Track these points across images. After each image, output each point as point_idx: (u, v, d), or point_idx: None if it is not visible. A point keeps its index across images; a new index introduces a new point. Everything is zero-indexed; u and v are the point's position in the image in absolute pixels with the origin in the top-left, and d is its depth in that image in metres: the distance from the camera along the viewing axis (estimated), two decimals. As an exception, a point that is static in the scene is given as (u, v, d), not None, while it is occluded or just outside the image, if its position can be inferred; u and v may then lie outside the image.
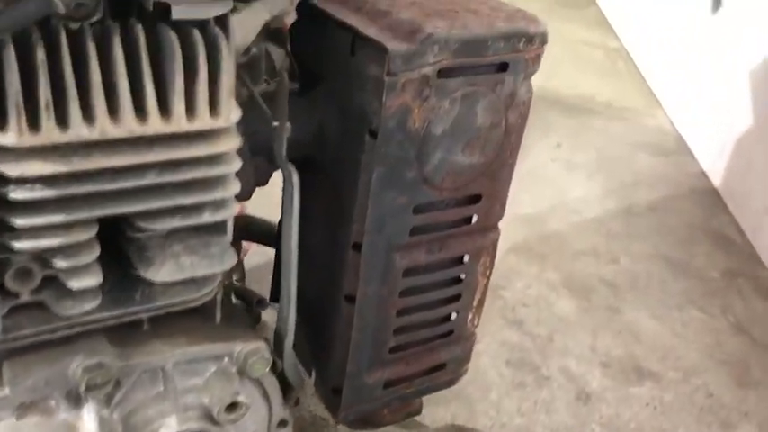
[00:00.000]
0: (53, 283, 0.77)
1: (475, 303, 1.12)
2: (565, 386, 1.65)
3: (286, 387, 1.02)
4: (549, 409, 1.58)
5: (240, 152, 0.81)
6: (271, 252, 1.17)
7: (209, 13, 0.73)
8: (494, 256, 1.10)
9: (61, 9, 0.64)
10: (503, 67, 0.93)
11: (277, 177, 0.98)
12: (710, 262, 2.17)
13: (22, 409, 0.82)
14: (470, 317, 1.13)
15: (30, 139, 0.67)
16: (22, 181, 0.69)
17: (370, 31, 0.88)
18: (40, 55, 0.66)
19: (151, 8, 0.71)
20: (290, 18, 0.90)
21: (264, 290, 1.18)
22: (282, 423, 1.02)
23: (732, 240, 2.29)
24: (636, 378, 1.71)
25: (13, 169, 0.68)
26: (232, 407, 0.94)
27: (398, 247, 0.98)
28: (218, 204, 0.82)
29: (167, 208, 0.78)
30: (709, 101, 2.70)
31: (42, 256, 0.75)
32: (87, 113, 0.69)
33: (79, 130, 0.69)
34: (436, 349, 1.13)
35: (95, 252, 0.76)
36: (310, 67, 0.99)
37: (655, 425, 1.59)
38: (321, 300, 1.07)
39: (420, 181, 0.94)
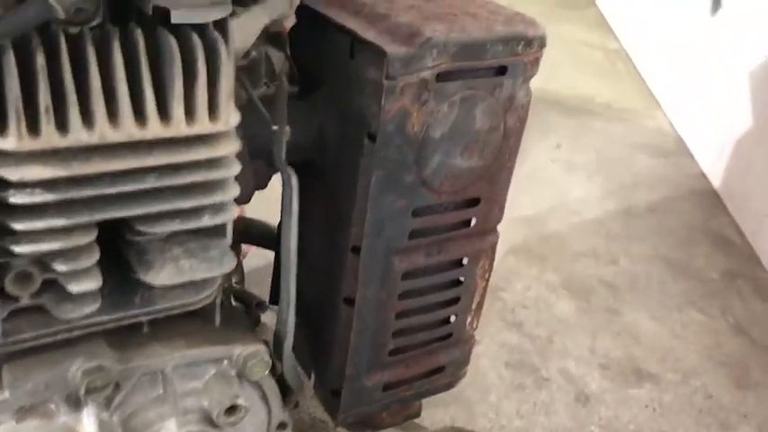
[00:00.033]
0: (53, 286, 0.77)
1: (474, 306, 1.12)
2: (564, 388, 1.65)
3: (285, 390, 1.02)
4: (548, 411, 1.59)
5: (239, 156, 0.81)
6: (270, 254, 1.17)
7: (209, 17, 0.73)
8: (493, 259, 1.10)
9: (61, 14, 0.64)
10: (501, 71, 0.93)
11: (276, 180, 0.98)
12: (710, 263, 2.17)
13: (22, 413, 0.82)
14: (469, 320, 1.13)
15: (30, 144, 0.67)
16: (22, 185, 0.69)
17: (368, 34, 0.88)
18: (40, 60, 0.66)
19: (150, 12, 0.71)
20: (290, 22, 0.90)
21: (264, 292, 1.18)
22: (282, 426, 1.02)
23: (732, 241, 2.29)
24: (635, 380, 1.71)
25: (13, 173, 0.68)
26: (231, 410, 0.94)
27: (397, 251, 0.98)
28: (218, 208, 0.82)
29: (167, 211, 0.78)
30: (709, 102, 2.71)
31: (42, 260, 0.75)
32: (87, 118, 0.70)
33: (79, 135, 0.69)
34: (435, 352, 1.13)
35: (95, 256, 0.77)
36: (310, 71, 1.00)
37: (654, 426, 1.59)
38: (320, 302, 1.07)
39: (419, 184, 0.95)
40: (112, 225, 0.78)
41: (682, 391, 1.70)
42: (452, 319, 1.12)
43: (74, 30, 0.70)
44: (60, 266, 0.75)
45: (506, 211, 1.09)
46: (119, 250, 0.83)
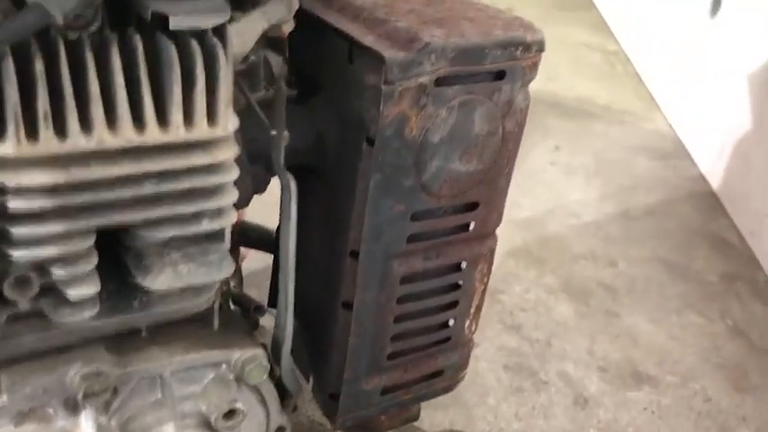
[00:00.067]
0: (51, 291, 0.77)
1: (472, 310, 1.12)
2: (563, 391, 1.65)
3: (284, 393, 1.03)
4: (546, 414, 1.59)
5: (238, 160, 0.81)
6: (269, 256, 1.17)
7: (207, 23, 0.73)
8: (491, 263, 1.10)
9: (60, 21, 0.64)
10: (500, 75, 0.93)
11: (275, 184, 0.98)
12: (709, 266, 2.17)
13: (21, 417, 0.82)
14: (468, 323, 1.13)
15: (28, 150, 0.68)
16: (20, 191, 0.69)
17: (367, 39, 0.88)
18: (39, 66, 0.66)
19: (149, 18, 0.71)
20: (289, 26, 0.90)
21: (263, 295, 1.18)
22: (280, 429, 1.03)
23: (731, 244, 2.29)
24: (634, 382, 1.71)
25: (11, 179, 0.68)
26: (230, 414, 0.94)
27: (396, 255, 0.98)
28: (217, 213, 0.82)
29: (165, 217, 0.78)
30: (708, 104, 2.71)
31: (41, 265, 0.75)
32: (85, 123, 0.70)
33: (77, 141, 0.69)
34: (434, 356, 1.13)
35: (93, 261, 0.77)
36: (309, 75, 1.00)
37: (652, 429, 1.59)
38: (319, 306, 1.07)
39: (417, 188, 0.95)
40: (111, 229, 0.78)
41: (680, 393, 1.70)
42: (451, 322, 1.12)
43: (72, 35, 0.70)
44: (59, 272, 0.75)
45: (505, 213, 1.09)
46: (117, 254, 0.83)
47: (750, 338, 1.90)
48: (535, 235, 2.20)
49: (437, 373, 1.15)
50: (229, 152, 0.79)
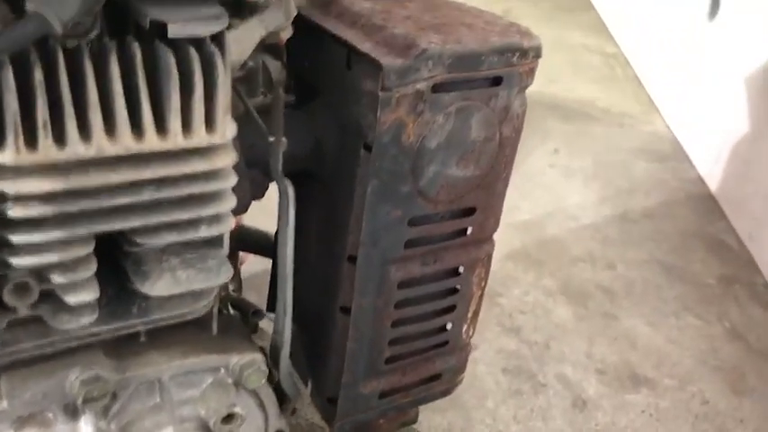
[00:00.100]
0: (50, 297, 0.77)
1: (470, 314, 1.13)
2: (561, 393, 1.66)
3: (282, 397, 1.03)
4: (545, 417, 1.59)
5: (236, 167, 0.82)
6: (269, 260, 1.18)
7: (205, 30, 0.74)
8: (489, 268, 1.10)
9: (59, 31, 0.64)
10: (497, 81, 0.94)
11: (274, 189, 0.98)
12: (707, 268, 2.18)
13: (20, 422, 0.83)
14: (465, 328, 1.14)
15: (27, 158, 0.68)
16: (19, 198, 0.69)
17: (365, 46, 0.89)
18: (38, 75, 0.66)
19: (148, 26, 0.71)
20: (287, 33, 0.91)
21: (263, 298, 1.18)
22: (279, 433, 1.03)
23: (729, 246, 2.30)
24: (632, 385, 1.71)
25: (10, 187, 0.68)
26: (228, 418, 0.95)
27: (393, 260, 0.99)
28: (215, 219, 0.83)
29: (164, 223, 0.79)
30: (707, 106, 2.71)
31: (40, 272, 0.75)
32: (84, 131, 0.70)
33: (76, 148, 0.70)
34: (432, 360, 1.13)
35: (92, 267, 0.77)
36: (307, 81, 1.00)
37: (650, 432, 1.60)
38: (317, 311, 1.07)
39: (415, 194, 0.95)
40: (110, 236, 0.79)
41: (678, 396, 1.70)
42: (449, 327, 1.12)
43: (71, 43, 0.70)
44: (58, 278, 0.75)
45: (504, 216, 1.09)
46: (116, 260, 0.84)
47: (748, 341, 1.91)
48: (534, 237, 2.20)
49: (435, 377, 1.16)
50: (227, 159, 0.79)
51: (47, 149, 0.69)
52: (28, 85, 0.67)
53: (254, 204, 0.99)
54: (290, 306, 1.00)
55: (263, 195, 0.99)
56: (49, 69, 0.68)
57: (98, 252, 0.78)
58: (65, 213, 0.72)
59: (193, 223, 0.81)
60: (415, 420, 1.29)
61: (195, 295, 0.87)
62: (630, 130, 2.97)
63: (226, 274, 0.86)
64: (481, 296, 1.12)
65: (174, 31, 0.71)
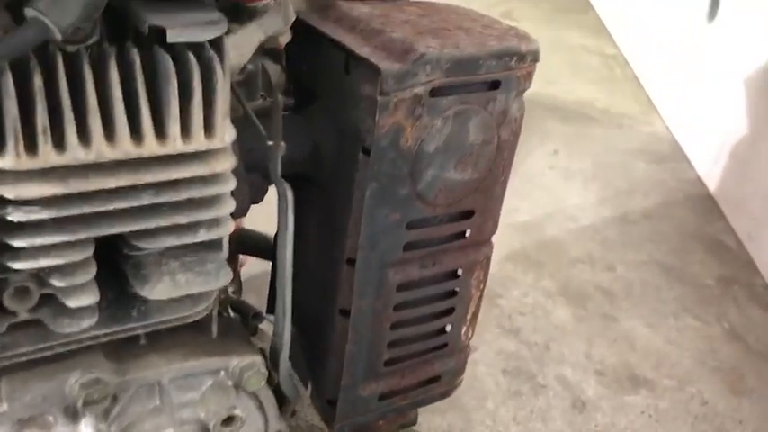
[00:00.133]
0: (50, 301, 0.78)
1: (469, 316, 1.13)
2: (561, 394, 1.66)
3: (282, 400, 1.03)
4: (544, 418, 1.59)
5: (235, 171, 0.82)
6: (269, 262, 1.18)
7: (204, 36, 0.74)
8: (487, 270, 1.11)
9: (59, 37, 0.65)
10: (495, 85, 0.94)
11: (273, 192, 0.99)
12: (706, 269, 2.18)
13: (21, 425, 0.83)
14: (464, 329, 1.14)
15: (27, 163, 0.68)
16: (20, 203, 0.70)
17: (363, 50, 0.89)
18: (38, 82, 0.67)
19: (146, 32, 0.72)
20: (285, 37, 0.91)
21: (262, 300, 1.19)
22: (278, 435, 1.03)
23: (728, 247, 2.30)
24: (631, 386, 1.72)
25: (10, 192, 0.69)
26: (228, 421, 0.95)
27: (392, 263, 0.99)
28: (214, 223, 0.83)
29: (163, 227, 0.79)
30: (706, 107, 2.72)
31: (40, 275, 0.76)
32: (84, 136, 0.71)
33: (76, 153, 0.70)
34: (431, 362, 1.14)
35: (92, 271, 0.78)
36: (306, 85, 1.01)
37: (649, 433, 1.60)
38: (316, 313, 1.08)
39: (413, 197, 0.96)
40: (109, 239, 0.79)
41: (677, 397, 1.71)
42: (448, 329, 1.13)
43: (71, 49, 0.71)
44: (58, 282, 0.76)
45: (504, 217, 1.10)
46: (116, 264, 0.84)
47: (747, 342, 1.91)
48: (533, 239, 2.21)
49: (434, 379, 1.16)
50: (226, 163, 0.80)
51: (47, 154, 0.69)
52: (28, 90, 0.67)
53: (254, 207, 1.00)
54: (290, 308, 1.00)
55: (262, 199, 0.99)
56: (49, 75, 0.69)
57: (98, 256, 0.79)
58: (65, 217, 0.72)
59: (193, 227, 0.82)
60: (414, 422, 1.29)
61: (195, 298, 0.87)
62: (630, 130, 2.98)
63: (225, 277, 0.87)
64: (480, 298, 1.13)
65: (172, 36, 0.72)
